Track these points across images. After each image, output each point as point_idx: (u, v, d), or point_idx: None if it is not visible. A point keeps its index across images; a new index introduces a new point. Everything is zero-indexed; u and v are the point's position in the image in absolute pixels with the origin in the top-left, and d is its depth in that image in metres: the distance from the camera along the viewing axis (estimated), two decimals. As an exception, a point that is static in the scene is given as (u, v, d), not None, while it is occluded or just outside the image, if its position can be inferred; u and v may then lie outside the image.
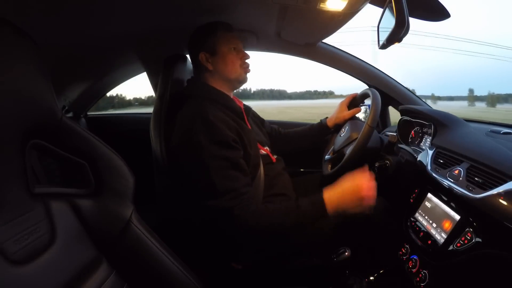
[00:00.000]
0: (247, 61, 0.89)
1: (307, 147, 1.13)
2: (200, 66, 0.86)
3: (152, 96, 1.21)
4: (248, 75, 0.90)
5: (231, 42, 0.85)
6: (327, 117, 1.11)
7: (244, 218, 0.69)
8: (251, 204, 0.72)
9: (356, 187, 0.69)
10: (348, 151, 0.90)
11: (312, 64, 1.26)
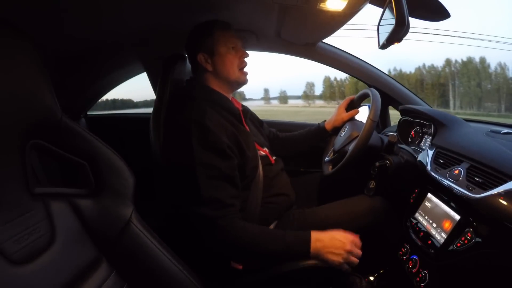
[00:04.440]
0: (246, 59, 0.88)
1: (305, 150, 1.14)
2: (199, 67, 0.85)
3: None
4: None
5: (230, 41, 0.84)
6: (325, 120, 1.11)
7: (227, 230, 0.69)
8: (239, 218, 0.72)
9: (345, 238, 0.71)
10: (351, 147, 0.90)
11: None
